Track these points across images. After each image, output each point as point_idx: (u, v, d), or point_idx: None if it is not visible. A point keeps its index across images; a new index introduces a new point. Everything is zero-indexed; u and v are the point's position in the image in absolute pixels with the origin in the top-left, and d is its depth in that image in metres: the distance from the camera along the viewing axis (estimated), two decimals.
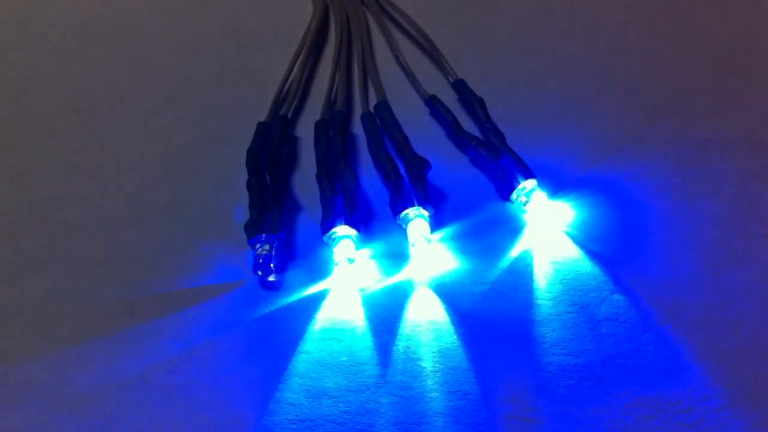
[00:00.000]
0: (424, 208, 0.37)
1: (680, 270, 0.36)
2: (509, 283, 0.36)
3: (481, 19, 0.54)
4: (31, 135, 0.46)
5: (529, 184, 0.39)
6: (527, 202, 0.38)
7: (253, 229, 0.36)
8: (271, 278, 0.36)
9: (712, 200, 0.39)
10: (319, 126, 0.43)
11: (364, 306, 0.35)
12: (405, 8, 0.53)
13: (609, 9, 0.55)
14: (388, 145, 0.42)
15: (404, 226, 0.37)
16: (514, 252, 0.37)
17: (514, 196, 0.39)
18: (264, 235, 0.36)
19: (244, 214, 0.38)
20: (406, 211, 0.37)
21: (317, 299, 0.36)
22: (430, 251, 0.37)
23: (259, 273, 0.35)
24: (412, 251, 0.37)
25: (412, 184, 0.39)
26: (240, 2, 0.57)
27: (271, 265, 0.36)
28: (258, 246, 0.36)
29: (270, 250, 0.36)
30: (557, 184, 0.40)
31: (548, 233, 0.38)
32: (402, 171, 0.40)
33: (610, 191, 0.40)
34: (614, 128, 0.44)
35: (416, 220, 0.37)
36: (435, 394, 0.31)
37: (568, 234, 0.38)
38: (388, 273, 0.36)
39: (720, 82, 0.47)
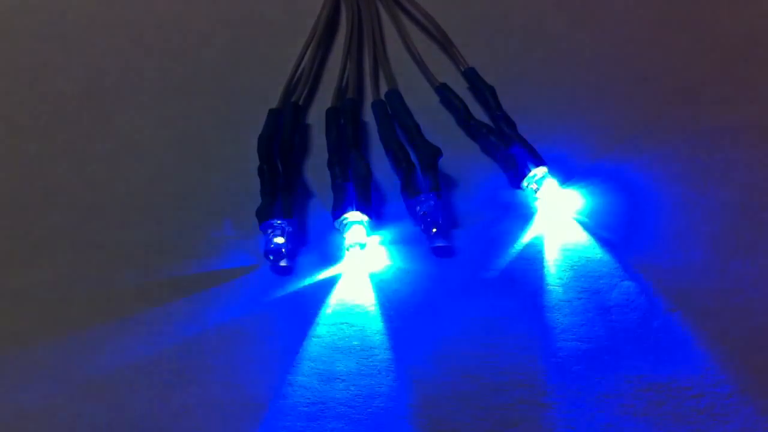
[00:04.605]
0: (436, 195, 0.37)
1: (690, 258, 0.36)
2: (520, 269, 0.36)
3: (492, 7, 0.54)
4: (44, 121, 0.46)
5: (540, 171, 0.39)
6: (538, 189, 0.38)
7: (265, 215, 0.37)
8: (283, 263, 0.36)
9: (723, 189, 0.39)
10: (330, 113, 0.43)
11: (375, 290, 0.35)
12: None
13: None
14: (399, 133, 0.42)
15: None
16: (525, 239, 0.37)
17: (524, 183, 0.39)
18: (276, 220, 0.36)
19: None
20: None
21: (329, 284, 0.36)
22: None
23: (271, 258, 0.36)
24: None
25: (423, 171, 0.39)
26: None
27: (283, 250, 0.36)
28: (270, 231, 0.36)
29: (282, 236, 0.36)
30: (568, 172, 0.40)
31: (559, 220, 0.38)
32: (413, 158, 0.40)
33: (620, 179, 0.40)
34: (625, 117, 0.44)
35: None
36: (447, 378, 0.31)
37: (579, 221, 0.38)
38: (399, 258, 0.37)
39: (730, 72, 0.47)
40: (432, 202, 0.37)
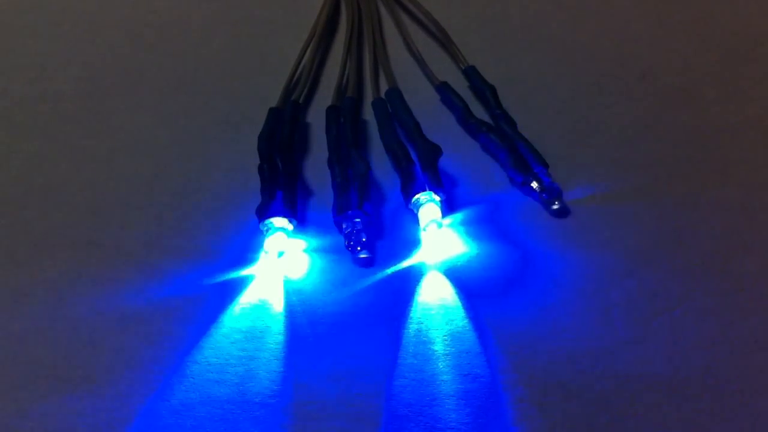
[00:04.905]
0: (436, 193, 0.37)
1: (690, 258, 0.36)
2: (520, 268, 0.36)
3: (492, 6, 0.54)
4: (43, 120, 0.46)
5: (539, 182, 0.39)
6: (540, 189, 0.38)
7: (264, 213, 0.36)
8: (282, 261, 0.36)
9: (722, 189, 0.39)
10: (330, 111, 0.43)
11: (375, 290, 0.35)
12: None
13: None
14: (399, 131, 0.42)
15: (416, 211, 0.37)
16: (525, 237, 0.37)
17: (525, 182, 0.39)
18: (275, 218, 0.36)
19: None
20: (417, 196, 0.37)
21: (326, 282, 0.36)
22: (441, 236, 0.37)
23: (271, 256, 0.36)
24: (423, 236, 0.37)
25: (424, 169, 0.39)
26: None
27: (283, 248, 0.36)
28: (270, 229, 0.36)
29: (282, 233, 0.36)
30: (569, 171, 0.40)
31: (560, 219, 0.38)
32: (413, 157, 0.40)
33: (620, 179, 0.40)
34: (625, 116, 0.44)
35: (428, 204, 0.37)
36: (446, 377, 0.31)
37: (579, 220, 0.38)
38: (399, 257, 0.37)
39: (731, 71, 0.47)
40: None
